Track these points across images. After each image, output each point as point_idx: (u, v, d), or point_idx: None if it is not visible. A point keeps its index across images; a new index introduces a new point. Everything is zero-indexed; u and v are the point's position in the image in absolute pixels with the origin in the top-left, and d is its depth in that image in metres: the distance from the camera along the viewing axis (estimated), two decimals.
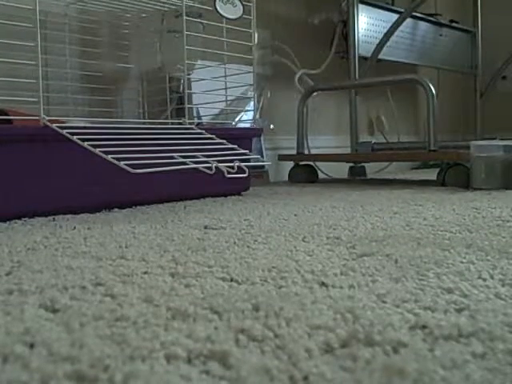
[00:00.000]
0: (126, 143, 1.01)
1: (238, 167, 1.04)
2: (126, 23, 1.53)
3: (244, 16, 1.36)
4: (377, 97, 2.42)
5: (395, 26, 2.04)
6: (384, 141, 2.45)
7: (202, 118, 1.63)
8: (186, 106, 1.34)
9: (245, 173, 1.04)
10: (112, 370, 0.33)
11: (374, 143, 2.04)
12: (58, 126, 1.02)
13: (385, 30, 2.06)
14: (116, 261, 0.65)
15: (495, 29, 2.68)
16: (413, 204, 1.15)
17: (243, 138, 1.39)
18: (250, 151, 1.26)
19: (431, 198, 1.26)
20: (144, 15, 1.50)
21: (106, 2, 1.37)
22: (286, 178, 1.93)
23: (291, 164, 1.90)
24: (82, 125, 1.16)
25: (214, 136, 1.23)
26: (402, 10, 2.12)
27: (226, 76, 1.46)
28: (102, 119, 1.26)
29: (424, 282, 0.52)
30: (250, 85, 1.47)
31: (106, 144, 0.97)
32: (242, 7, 1.34)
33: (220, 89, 1.46)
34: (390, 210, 1.05)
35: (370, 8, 2.09)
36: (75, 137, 0.99)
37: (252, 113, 1.56)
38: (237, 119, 1.69)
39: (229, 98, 1.50)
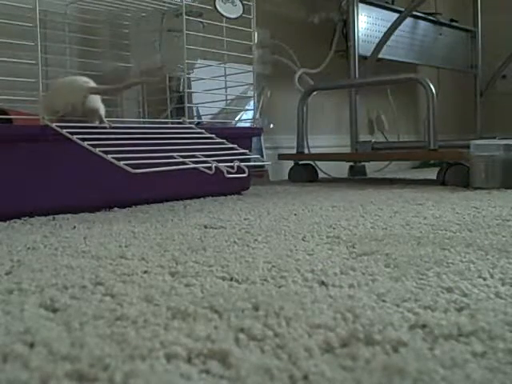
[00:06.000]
0: (126, 143, 1.01)
1: (238, 167, 1.04)
2: (126, 22, 1.53)
3: (244, 15, 1.36)
4: (377, 96, 2.42)
5: (395, 25, 2.03)
6: (384, 140, 2.45)
7: (202, 117, 1.63)
8: (186, 105, 1.34)
9: (245, 172, 1.04)
10: (112, 370, 0.33)
11: (374, 142, 2.04)
12: (57, 126, 1.02)
13: (385, 29, 2.06)
14: (116, 260, 0.65)
15: (495, 28, 2.68)
16: (413, 203, 1.15)
17: (243, 137, 1.39)
18: (250, 151, 1.26)
19: (431, 197, 1.26)
20: (144, 14, 1.50)
21: (106, 1, 1.37)
22: (286, 178, 1.93)
23: (291, 163, 1.90)
24: (83, 124, 1.16)
25: (213, 135, 1.23)
26: (402, 9, 2.12)
27: (225, 75, 1.46)
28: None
29: (424, 282, 0.52)
30: (250, 84, 1.47)
31: (105, 144, 0.97)
32: (241, 6, 1.34)
33: (220, 88, 1.46)
34: (389, 210, 1.05)
35: (369, 7, 2.09)
36: (75, 136, 0.99)
37: (252, 112, 1.56)
38: (237, 118, 1.69)
39: (229, 98, 1.50)
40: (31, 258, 0.66)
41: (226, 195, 1.38)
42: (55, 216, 1.03)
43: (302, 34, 2.11)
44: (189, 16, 1.31)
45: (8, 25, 1.04)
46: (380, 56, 2.07)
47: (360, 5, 2.02)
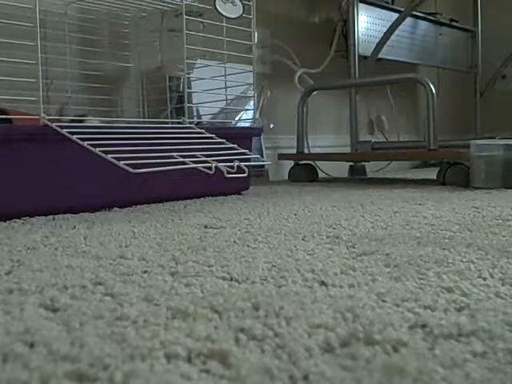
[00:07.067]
0: (126, 143, 1.00)
1: (238, 167, 1.04)
2: (126, 22, 1.53)
3: (244, 15, 1.36)
4: (377, 96, 2.42)
5: (395, 25, 2.03)
6: (384, 140, 2.45)
7: (202, 117, 1.63)
8: (186, 105, 1.34)
9: (244, 172, 1.04)
10: (112, 369, 0.33)
11: (374, 142, 2.04)
12: (57, 126, 1.02)
13: (385, 29, 2.06)
14: (116, 260, 0.64)
15: (495, 28, 2.68)
16: (413, 203, 1.15)
17: (243, 137, 1.39)
18: (250, 150, 1.26)
19: (431, 197, 1.26)
20: (144, 14, 1.50)
21: (106, 1, 1.37)
22: (286, 177, 1.93)
23: (291, 163, 1.90)
24: (83, 124, 1.16)
25: (213, 135, 1.23)
26: (402, 9, 2.12)
27: (225, 75, 1.46)
28: (103, 118, 1.26)
29: (424, 281, 0.52)
30: (250, 84, 1.47)
31: (105, 143, 0.97)
32: (241, 6, 1.34)
33: (220, 88, 1.46)
34: (390, 209, 1.05)
35: (369, 7, 2.09)
36: (75, 136, 0.99)
37: (252, 112, 1.56)
38: (237, 118, 1.69)
39: (229, 98, 1.50)
40: (31, 258, 0.66)
41: (226, 195, 1.38)
42: (55, 216, 1.03)
43: (302, 34, 2.11)
44: (189, 16, 1.31)
45: (8, 25, 1.04)
46: (380, 56, 2.07)
47: (360, 5, 2.02)
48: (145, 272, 0.58)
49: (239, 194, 1.43)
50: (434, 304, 0.45)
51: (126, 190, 1.17)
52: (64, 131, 1.01)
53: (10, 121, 1.07)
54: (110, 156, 0.94)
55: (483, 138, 1.84)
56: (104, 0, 1.36)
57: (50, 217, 1.02)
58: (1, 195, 1.00)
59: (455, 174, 1.52)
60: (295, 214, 1.02)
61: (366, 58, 2.04)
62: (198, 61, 1.51)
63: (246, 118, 1.69)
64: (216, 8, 1.29)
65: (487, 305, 0.44)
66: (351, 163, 2.17)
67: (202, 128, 1.27)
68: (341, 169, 2.17)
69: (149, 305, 0.46)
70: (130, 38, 1.54)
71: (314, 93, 1.96)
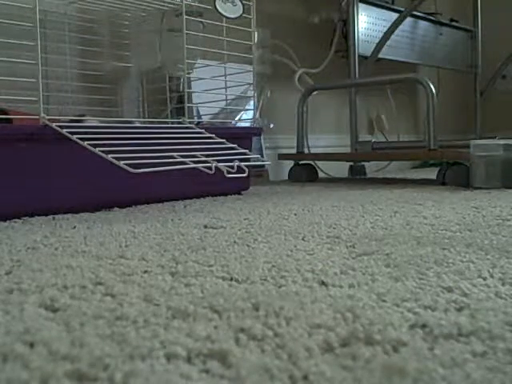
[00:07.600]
0: (126, 143, 1.01)
1: (238, 167, 1.04)
2: (126, 22, 1.53)
3: (244, 15, 1.36)
4: (377, 96, 2.42)
5: (395, 25, 2.04)
6: (384, 140, 2.45)
7: (202, 117, 1.63)
8: (186, 105, 1.34)
9: (244, 172, 1.04)
10: (112, 369, 0.33)
11: (374, 142, 2.04)
12: (57, 125, 1.02)
13: (385, 29, 2.06)
14: (116, 260, 0.64)
15: (495, 28, 2.68)
16: (413, 203, 1.15)
17: (243, 137, 1.39)
18: (250, 150, 1.26)
19: (431, 197, 1.26)
20: (144, 14, 1.50)
21: (106, 1, 1.37)
22: (286, 177, 1.93)
23: (291, 163, 1.90)
24: (83, 124, 1.16)
25: (213, 135, 1.23)
26: (402, 9, 2.12)
27: (225, 75, 1.46)
28: (102, 118, 1.26)
29: (424, 281, 0.52)
30: (250, 84, 1.47)
31: (105, 143, 0.97)
32: (241, 6, 1.34)
33: (220, 88, 1.46)
34: (389, 209, 1.05)
35: (369, 7, 2.09)
36: (75, 136, 0.99)
37: (252, 112, 1.56)
38: (237, 118, 1.69)
39: (229, 97, 1.50)
40: (31, 258, 0.66)
41: (226, 195, 1.38)
42: (55, 216, 1.03)
43: (301, 34, 2.11)
44: (189, 16, 1.31)
45: (8, 25, 1.04)
46: (380, 56, 2.07)
47: (360, 5, 2.02)
48: (145, 272, 0.58)
49: (239, 194, 1.43)
50: (434, 304, 0.45)
51: (126, 189, 1.17)
52: (64, 131, 1.01)
53: (10, 121, 1.07)
54: (110, 156, 0.94)
55: (483, 138, 1.83)
56: (104, 0, 1.36)
57: (50, 217, 1.02)
58: (1, 195, 1.00)
59: (455, 174, 1.52)
60: (295, 214, 1.02)
61: (366, 58, 2.04)
62: (198, 61, 1.51)
63: (246, 118, 1.69)
64: (216, 8, 1.29)
65: (487, 305, 0.44)
66: (351, 163, 2.17)
67: (202, 128, 1.27)
68: (341, 169, 2.17)
69: (149, 305, 0.46)
70: (130, 38, 1.54)
71: (314, 93, 1.96)
